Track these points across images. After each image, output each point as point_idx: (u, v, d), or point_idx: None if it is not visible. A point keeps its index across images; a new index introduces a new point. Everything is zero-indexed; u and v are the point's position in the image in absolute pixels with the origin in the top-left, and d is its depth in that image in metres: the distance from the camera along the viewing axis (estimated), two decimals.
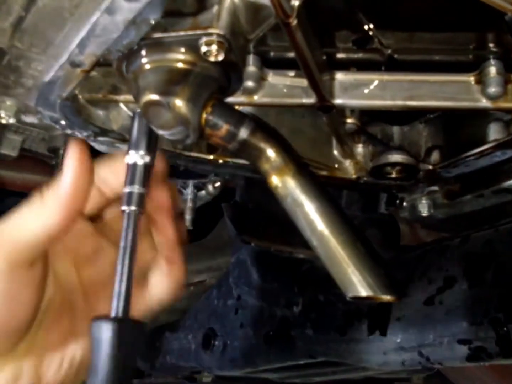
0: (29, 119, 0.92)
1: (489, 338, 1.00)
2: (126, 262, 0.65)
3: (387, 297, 0.73)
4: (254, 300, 1.50)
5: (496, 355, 1.01)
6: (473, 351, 1.03)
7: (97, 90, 0.86)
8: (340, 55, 0.92)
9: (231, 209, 1.36)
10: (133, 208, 0.68)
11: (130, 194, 0.68)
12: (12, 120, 0.85)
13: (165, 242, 0.76)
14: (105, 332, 0.61)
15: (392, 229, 1.37)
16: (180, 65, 0.71)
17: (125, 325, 0.62)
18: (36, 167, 1.52)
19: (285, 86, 0.87)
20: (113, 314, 0.63)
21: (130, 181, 0.69)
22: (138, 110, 0.72)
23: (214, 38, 0.68)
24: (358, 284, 0.72)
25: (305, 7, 0.69)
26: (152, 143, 0.72)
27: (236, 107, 0.85)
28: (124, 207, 0.68)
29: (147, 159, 0.70)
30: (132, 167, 0.70)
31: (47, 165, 1.40)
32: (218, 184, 1.44)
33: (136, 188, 0.68)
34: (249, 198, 1.36)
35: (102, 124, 0.91)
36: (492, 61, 0.83)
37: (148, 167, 0.70)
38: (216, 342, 1.59)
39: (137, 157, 0.70)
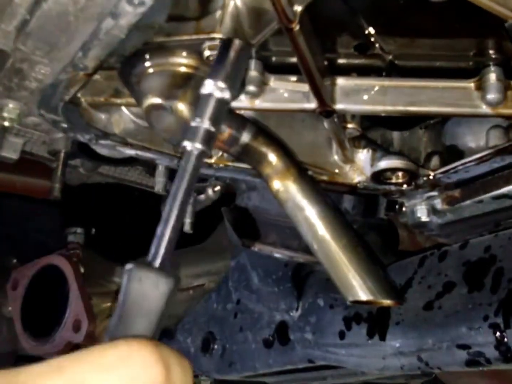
0: (32, 122, 0.93)
1: (488, 343, 1.00)
2: (176, 205, 0.55)
3: (387, 302, 0.73)
4: (254, 304, 1.50)
5: (495, 360, 1.01)
6: (472, 356, 1.03)
7: (100, 93, 0.87)
8: (341, 61, 0.93)
9: (231, 213, 1.36)
10: (197, 146, 0.56)
11: (196, 128, 0.58)
12: (14, 123, 0.86)
13: None
14: (137, 279, 0.53)
15: (391, 234, 1.37)
16: (182, 69, 0.72)
17: (159, 274, 0.53)
18: (36, 170, 1.52)
19: (286, 91, 0.87)
20: (149, 259, 0.54)
21: (199, 113, 0.58)
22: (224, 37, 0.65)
23: (217, 42, 0.68)
24: (358, 288, 0.73)
25: (307, 13, 0.69)
26: (237, 80, 0.63)
27: (238, 111, 0.85)
28: (185, 143, 0.57)
29: (227, 94, 0.60)
30: (205, 98, 0.59)
31: (47, 168, 1.40)
32: (218, 188, 1.44)
33: (206, 123, 0.57)
34: (249, 202, 1.36)
35: (104, 127, 0.91)
36: (492, 68, 0.84)
37: (224, 104, 0.60)
38: (215, 346, 1.59)
39: (215, 88, 0.60)
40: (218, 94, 0.60)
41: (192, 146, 0.57)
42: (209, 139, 0.58)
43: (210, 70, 0.63)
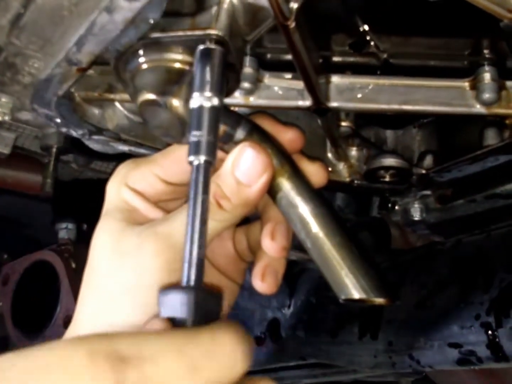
0: (24, 116, 0.92)
1: (480, 342, 1.00)
2: (197, 222, 0.56)
3: (380, 300, 0.73)
4: (246, 302, 1.50)
5: (486, 359, 1.01)
6: (463, 355, 1.03)
7: (93, 88, 0.86)
8: (336, 58, 0.93)
9: None
10: (202, 158, 0.59)
11: (197, 142, 0.60)
12: (7, 118, 0.85)
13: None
14: (175, 303, 0.51)
15: (383, 232, 1.37)
16: (177, 65, 0.71)
17: (198, 294, 0.52)
18: (28, 165, 1.52)
19: (281, 88, 0.87)
20: (184, 283, 0.53)
21: (196, 127, 0.60)
22: (201, 47, 0.66)
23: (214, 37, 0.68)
24: (351, 286, 0.73)
25: (303, 10, 0.69)
26: (220, 83, 0.64)
27: (232, 108, 0.85)
28: (191, 158, 0.59)
29: (215, 101, 0.62)
30: (197, 112, 0.61)
31: (39, 163, 1.40)
32: None
33: (204, 135, 0.60)
34: None
35: (97, 122, 0.91)
36: (487, 67, 0.84)
37: (216, 111, 0.62)
38: None
39: (203, 99, 0.62)
40: (207, 104, 0.62)
41: (199, 160, 0.59)
42: (212, 147, 0.60)
43: (194, 82, 0.64)
